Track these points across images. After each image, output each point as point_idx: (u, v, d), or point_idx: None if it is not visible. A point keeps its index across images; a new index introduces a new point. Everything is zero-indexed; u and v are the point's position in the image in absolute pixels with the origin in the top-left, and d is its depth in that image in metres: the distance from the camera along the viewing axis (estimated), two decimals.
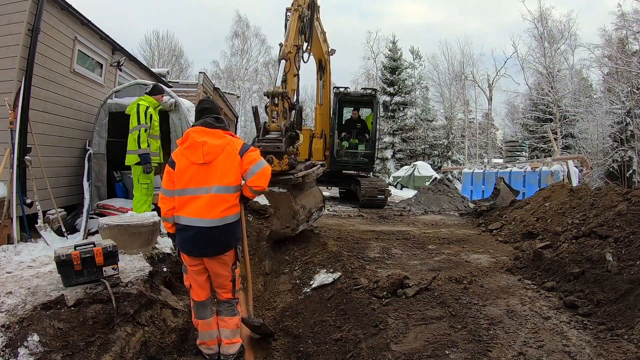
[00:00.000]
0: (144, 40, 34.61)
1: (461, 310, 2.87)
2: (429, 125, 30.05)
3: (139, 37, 55.83)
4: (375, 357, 2.51)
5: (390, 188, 11.04)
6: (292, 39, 5.35)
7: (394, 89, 29.98)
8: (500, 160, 18.86)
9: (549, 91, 23.17)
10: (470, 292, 3.17)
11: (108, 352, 2.59)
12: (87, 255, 2.88)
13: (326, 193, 12.21)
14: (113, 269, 3.01)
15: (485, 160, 26.58)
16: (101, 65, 6.45)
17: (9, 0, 4.55)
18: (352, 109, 10.44)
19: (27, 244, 4.35)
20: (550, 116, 23.63)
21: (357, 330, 2.86)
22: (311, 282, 3.83)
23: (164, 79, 9.44)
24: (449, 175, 22.66)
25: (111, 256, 2.99)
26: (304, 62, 6.08)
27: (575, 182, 10.75)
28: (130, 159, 4.92)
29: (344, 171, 9.82)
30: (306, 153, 10.05)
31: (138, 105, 4.91)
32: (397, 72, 30.47)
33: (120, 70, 6.92)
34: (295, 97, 5.35)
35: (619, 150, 19.93)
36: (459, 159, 28.75)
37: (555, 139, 20.70)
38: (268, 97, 4.71)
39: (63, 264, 2.83)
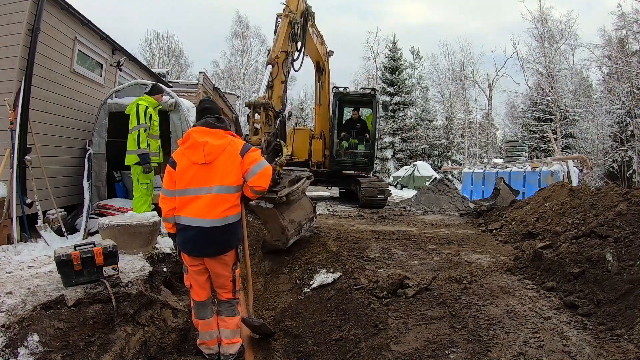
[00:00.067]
0: (144, 40, 34.70)
1: (461, 310, 2.87)
2: (429, 125, 30.08)
3: (139, 37, 56.05)
4: (375, 357, 2.51)
5: (390, 188, 11.02)
6: (281, 44, 5.23)
7: (394, 89, 30.02)
8: (500, 160, 18.87)
9: (549, 91, 23.17)
10: (470, 292, 3.17)
11: (108, 352, 2.59)
12: (87, 255, 2.88)
13: (326, 193, 12.23)
14: (113, 269, 3.01)
15: (485, 160, 26.59)
16: (101, 65, 6.45)
17: (9, 0, 4.54)
18: (352, 109, 10.42)
19: (27, 244, 4.35)
20: (550, 116, 23.64)
21: (357, 330, 2.86)
22: (311, 282, 3.83)
23: (164, 79, 9.43)
24: (449, 175, 22.67)
25: (111, 256, 2.99)
26: (295, 71, 5.84)
27: (575, 182, 10.75)
28: (130, 159, 4.92)
29: (343, 171, 9.80)
30: (306, 153, 10.06)
31: (137, 105, 4.90)
32: (397, 72, 30.50)
33: (120, 70, 6.92)
34: (282, 104, 5.16)
35: (619, 150, 19.94)
36: (459, 159, 28.76)
37: (555, 139, 20.71)
38: (249, 108, 4.50)
39: (63, 264, 2.84)
